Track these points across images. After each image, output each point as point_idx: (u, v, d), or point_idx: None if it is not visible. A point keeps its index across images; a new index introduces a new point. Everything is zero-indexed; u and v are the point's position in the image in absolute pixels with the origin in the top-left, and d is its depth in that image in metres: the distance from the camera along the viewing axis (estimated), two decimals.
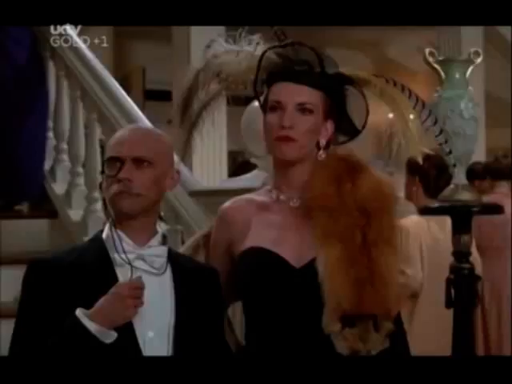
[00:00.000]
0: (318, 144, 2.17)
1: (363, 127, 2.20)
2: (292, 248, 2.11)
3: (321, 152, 2.16)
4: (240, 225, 2.18)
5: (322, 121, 2.16)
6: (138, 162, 2.00)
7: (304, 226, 2.12)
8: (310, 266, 2.07)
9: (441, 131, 2.28)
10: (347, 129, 2.22)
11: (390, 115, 2.19)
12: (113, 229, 2.01)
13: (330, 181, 2.11)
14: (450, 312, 2.64)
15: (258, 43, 2.24)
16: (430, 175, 3.89)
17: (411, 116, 2.15)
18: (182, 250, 2.34)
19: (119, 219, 2.02)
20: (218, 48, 2.26)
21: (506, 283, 4.73)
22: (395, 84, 2.19)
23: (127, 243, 2.00)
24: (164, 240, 2.07)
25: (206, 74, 2.28)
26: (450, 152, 2.39)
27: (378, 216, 2.09)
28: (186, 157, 2.36)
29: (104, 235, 2.04)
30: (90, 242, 2.10)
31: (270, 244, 2.12)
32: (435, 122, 2.24)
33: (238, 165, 5.95)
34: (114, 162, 2.00)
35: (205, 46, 2.28)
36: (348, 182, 2.11)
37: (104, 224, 2.05)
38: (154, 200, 2.04)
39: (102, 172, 2.03)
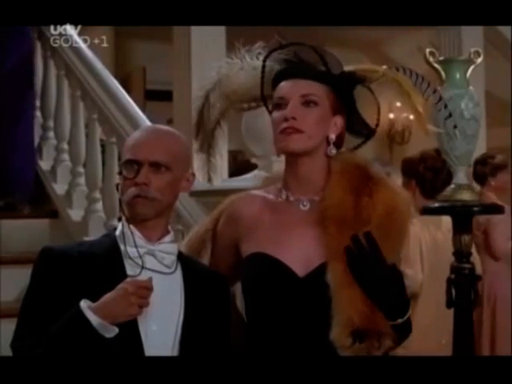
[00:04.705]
0: (327, 139, 2.13)
1: (377, 125, 2.15)
2: (297, 254, 2.08)
3: (331, 147, 2.12)
4: (248, 222, 2.16)
5: (330, 115, 2.11)
6: (156, 166, 2.00)
7: (311, 231, 2.09)
8: (315, 275, 2.05)
9: (440, 98, 2.28)
10: (361, 129, 2.18)
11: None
12: (125, 224, 2.02)
13: (347, 191, 2.07)
14: (450, 312, 2.65)
15: (259, 53, 2.23)
16: (425, 178, 3.86)
17: (416, 95, 2.14)
18: (183, 244, 2.32)
19: (133, 219, 2.03)
20: (225, 68, 2.26)
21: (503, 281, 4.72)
22: (397, 69, 2.17)
23: (139, 238, 2.01)
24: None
25: (216, 94, 2.28)
26: (450, 115, 2.38)
27: (390, 237, 2.05)
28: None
29: (117, 232, 2.06)
30: (103, 236, 2.13)
31: (275, 249, 2.09)
32: (434, 91, 2.24)
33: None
34: (131, 165, 2.01)
35: (216, 67, 2.28)
36: (365, 194, 2.07)
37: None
38: (169, 203, 2.05)
39: (120, 173, 2.04)
